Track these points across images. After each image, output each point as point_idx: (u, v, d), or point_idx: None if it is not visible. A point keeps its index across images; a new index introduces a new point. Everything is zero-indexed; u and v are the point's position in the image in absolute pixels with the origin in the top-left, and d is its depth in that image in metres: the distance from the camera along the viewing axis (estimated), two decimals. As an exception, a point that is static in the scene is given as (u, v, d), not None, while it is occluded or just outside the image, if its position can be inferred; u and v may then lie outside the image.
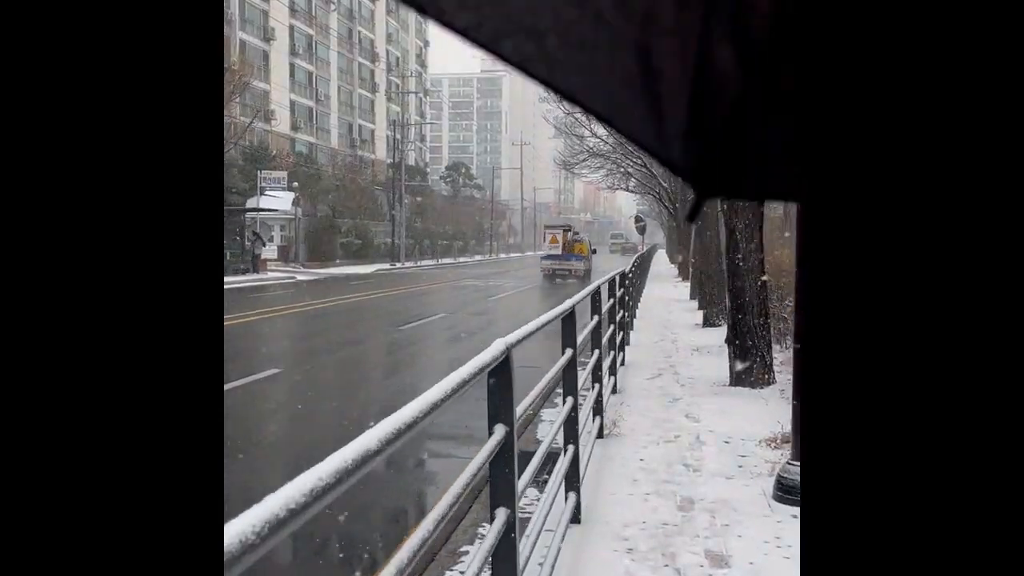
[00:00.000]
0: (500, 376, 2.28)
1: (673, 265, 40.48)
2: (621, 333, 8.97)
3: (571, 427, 3.94)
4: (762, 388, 7.35)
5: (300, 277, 31.14)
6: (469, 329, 13.74)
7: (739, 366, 7.50)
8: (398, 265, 44.73)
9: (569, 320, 3.95)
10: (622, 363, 8.89)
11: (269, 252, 36.39)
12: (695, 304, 16.29)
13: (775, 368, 7.72)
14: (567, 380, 3.96)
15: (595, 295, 5.72)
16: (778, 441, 5.44)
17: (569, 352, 3.92)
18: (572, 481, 3.95)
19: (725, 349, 10.15)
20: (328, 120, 57.97)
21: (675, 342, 11.09)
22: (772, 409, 6.58)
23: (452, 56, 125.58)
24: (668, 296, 19.96)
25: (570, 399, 3.92)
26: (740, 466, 4.98)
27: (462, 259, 59.71)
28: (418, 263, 48.26)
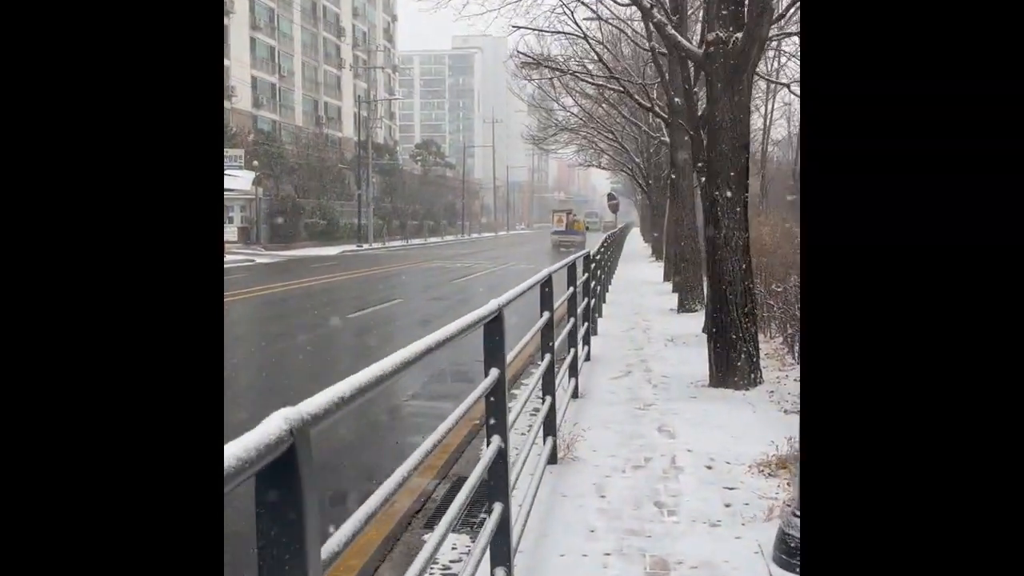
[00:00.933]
0: (281, 484, 1.14)
1: (647, 244, 39.53)
2: (585, 324, 7.87)
3: (499, 482, 2.81)
4: (748, 390, 6.29)
5: (260, 260, 29.75)
6: (425, 316, 12.59)
7: (721, 364, 6.42)
8: (365, 246, 43.32)
9: (493, 329, 2.82)
10: (587, 358, 7.80)
11: (229, 234, 34.91)
12: (669, 286, 15.25)
13: (761, 364, 6.67)
14: (493, 415, 2.82)
15: (545, 285, 4.59)
16: (773, 466, 4.37)
17: (494, 373, 2.78)
18: (500, 552, 2.84)
19: (702, 339, 9.09)
20: (292, 97, 56.11)
21: (647, 331, 10.01)
22: (761, 418, 5.52)
23: (422, 33, 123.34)
24: (641, 277, 18.93)
25: (495, 441, 2.79)
26: (727, 505, 3.90)
27: (433, 239, 58.32)
28: (386, 244, 46.85)
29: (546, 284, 4.55)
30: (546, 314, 4.50)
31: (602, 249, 11.37)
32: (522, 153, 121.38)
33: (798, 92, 16.80)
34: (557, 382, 5.38)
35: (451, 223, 70.57)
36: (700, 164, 8.85)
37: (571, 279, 6.25)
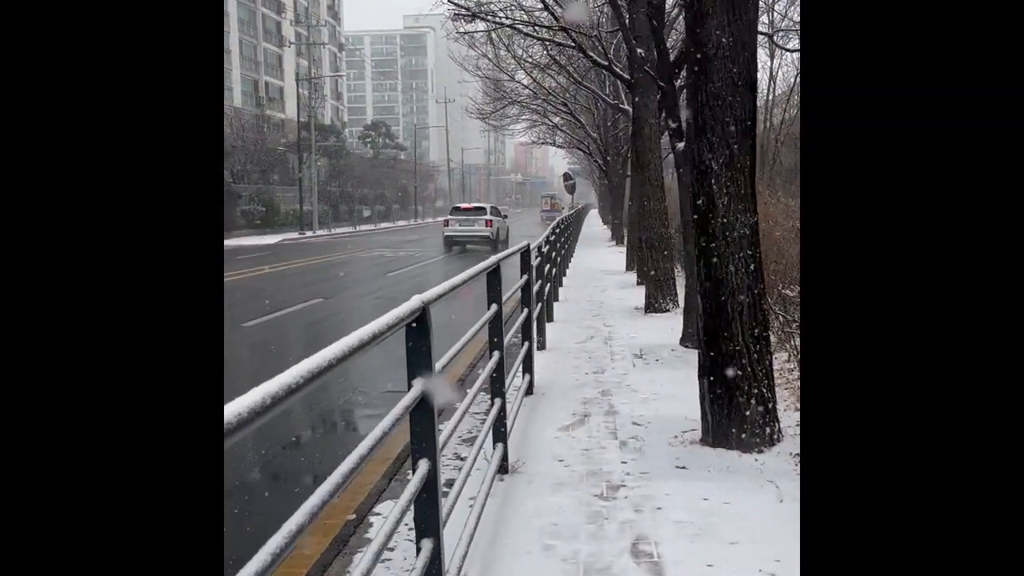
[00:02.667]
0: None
1: (606, 226, 37.66)
2: (526, 345, 5.73)
3: None
4: (762, 451, 4.20)
5: (184, 252, 27.11)
6: (335, 324, 10.36)
7: (721, 412, 4.31)
8: (309, 233, 40.72)
9: None
10: (529, 391, 5.67)
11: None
12: (633, 277, 13.19)
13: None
14: None
15: (417, 322, 2.39)
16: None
17: None
18: None
19: (681, 355, 7.03)
20: (230, 76, 52.92)
21: (610, 340, 7.91)
22: (794, 511, 3.44)
23: (372, 13, 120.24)
24: (601, 266, 16.84)
25: None
26: None
27: (384, 225, 55.73)
28: (332, 231, 44.22)
29: (416, 321, 2.36)
30: (417, 388, 2.32)
31: (551, 238, 9.19)
32: (478, 135, 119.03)
33: (779, 45, 14.80)
34: (472, 459, 3.24)
35: (404, 208, 67.87)
36: (674, 124, 6.75)
37: (493, 294, 4.07)
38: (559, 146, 31.55)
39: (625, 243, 15.50)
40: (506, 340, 4.22)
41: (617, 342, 7.78)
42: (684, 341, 7.17)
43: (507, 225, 25.88)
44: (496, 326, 4.03)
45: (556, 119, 24.35)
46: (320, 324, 10.62)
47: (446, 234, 24.62)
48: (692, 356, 6.78)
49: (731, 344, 4.24)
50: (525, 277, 5.69)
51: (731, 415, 4.26)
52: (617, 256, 18.31)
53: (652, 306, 9.49)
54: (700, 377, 4.44)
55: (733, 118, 4.14)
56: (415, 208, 67.46)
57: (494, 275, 4.13)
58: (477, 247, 23.85)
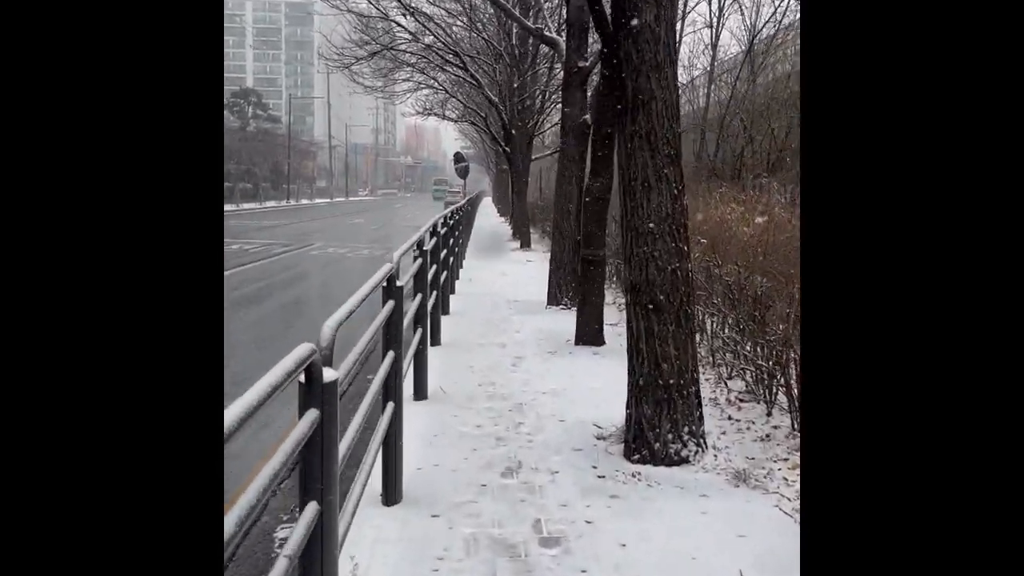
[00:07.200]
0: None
1: (503, 218, 32.33)
2: None
3: None
4: None
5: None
6: None
7: None
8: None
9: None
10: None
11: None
12: (562, 319, 7.65)
13: None
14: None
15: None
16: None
17: None
18: None
19: None
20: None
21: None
22: None
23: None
24: (506, 291, 10.92)
25: None
26: None
27: (248, 205, 48.42)
28: (177, 211, 36.99)
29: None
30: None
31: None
32: (366, 113, 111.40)
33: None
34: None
35: (276, 187, 60.37)
36: None
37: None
38: (449, 118, 25.84)
39: (552, 259, 9.58)
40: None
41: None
42: None
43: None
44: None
45: (442, 78, 18.62)
46: None
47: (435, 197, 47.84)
48: None
49: None
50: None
51: None
52: (528, 272, 12.72)
53: (645, 442, 3.95)
54: None
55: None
56: (287, 188, 60.05)
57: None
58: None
